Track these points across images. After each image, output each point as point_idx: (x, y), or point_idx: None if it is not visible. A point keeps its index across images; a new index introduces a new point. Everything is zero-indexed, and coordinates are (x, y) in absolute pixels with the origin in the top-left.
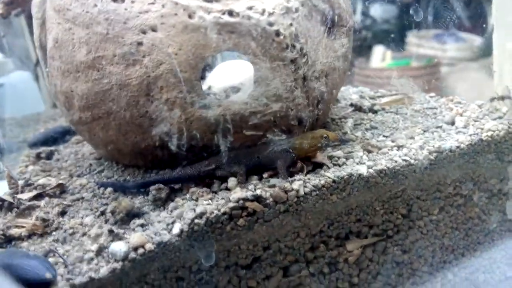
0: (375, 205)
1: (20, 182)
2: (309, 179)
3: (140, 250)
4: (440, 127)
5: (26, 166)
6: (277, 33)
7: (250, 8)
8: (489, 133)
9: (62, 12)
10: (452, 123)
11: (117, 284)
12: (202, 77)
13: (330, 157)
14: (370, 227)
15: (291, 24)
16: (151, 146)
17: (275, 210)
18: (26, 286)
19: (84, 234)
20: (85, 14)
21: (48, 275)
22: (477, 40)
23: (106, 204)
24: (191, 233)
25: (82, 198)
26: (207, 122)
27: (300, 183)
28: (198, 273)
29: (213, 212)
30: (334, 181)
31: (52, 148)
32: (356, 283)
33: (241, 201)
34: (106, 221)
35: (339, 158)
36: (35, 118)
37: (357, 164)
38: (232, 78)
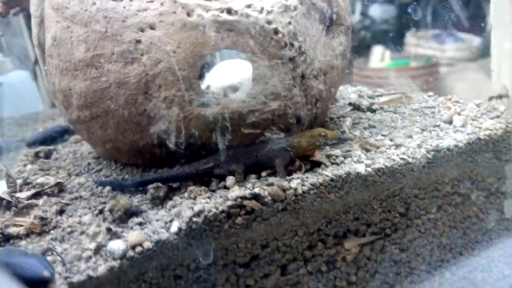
0: (373, 203)
1: (19, 181)
2: (307, 177)
3: (138, 249)
4: (438, 126)
5: (25, 165)
6: (276, 31)
7: (249, 6)
8: (487, 132)
9: (60, 10)
10: (450, 122)
11: (115, 283)
12: (201, 76)
13: (328, 156)
14: (368, 225)
15: (289, 22)
16: (149, 145)
17: (273, 209)
18: (24, 284)
19: (82, 233)
20: (84, 12)
21: (46, 273)
22: (476, 40)
23: (105, 202)
24: (189, 231)
25: (81, 196)
26: (205, 121)
27: (298, 182)
28: (196, 271)
29: (211, 211)
30: (332, 180)
31: (51, 147)
32: (354, 281)
33: (239, 200)
34: (104, 220)
35: (337, 156)
36: (34, 118)
37: (355, 162)
38: (231, 78)
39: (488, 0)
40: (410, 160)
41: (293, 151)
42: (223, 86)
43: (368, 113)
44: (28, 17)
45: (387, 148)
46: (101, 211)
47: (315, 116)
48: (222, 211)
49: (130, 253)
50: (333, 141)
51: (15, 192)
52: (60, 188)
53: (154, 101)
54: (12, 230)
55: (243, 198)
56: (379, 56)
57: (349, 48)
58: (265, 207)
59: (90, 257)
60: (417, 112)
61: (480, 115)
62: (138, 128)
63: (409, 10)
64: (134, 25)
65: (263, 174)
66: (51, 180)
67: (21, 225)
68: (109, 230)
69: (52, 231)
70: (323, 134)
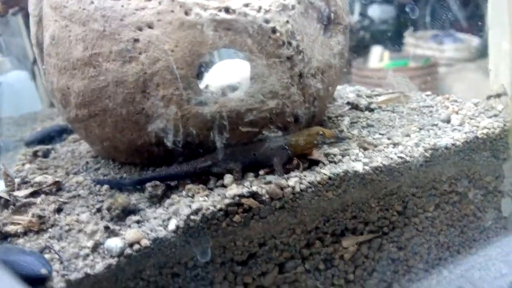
0: (371, 202)
1: (17, 180)
2: (305, 176)
3: (136, 246)
4: (436, 125)
5: (23, 165)
6: (274, 30)
7: (247, 5)
8: (485, 131)
9: (58, 9)
10: (448, 121)
11: (113, 280)
12: (200, 76)
13: (327, 155)
14: (365, 224)
15: (287, 21)
16: (147, 143)
17: (271, 207)
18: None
19: (80, 231)
20: (82, 11)
21: (43, 271)
22: (474, 41)
23: (102, 201)
24: (186, 229)
25: (79, 195)
26: (203, 119)
27: (296, 180)
28: (194, 269)
29: (209, 209)
30: (330, 178)
31: (49, 146)
32: (351, 279)
33: (237, 198)
34: (102, 218)
35: (335, 155)
36: (32, 117)
37: (353, 161)
38: (230, 77)
39: (487, 0)
40: (407, 158)
41: (291, 150)
42: (222, 86)
43: (366, 112)
44: (26, 17)
45: (385, 147)
46: (99, 210)
47: (313, 114)
48: (220, 209)
49: (128, 250)
50: (331, 139)
51: (13, 190)
52: (58, 186)
53: (152, 100)
54: (10, 228)
55: (241, 196)
56: (378, 57)
57: (347, 47)
58: (263, 205)
59: (87, 255)
60: (415, 111)
61: (478, 114)
62: (136, 126)
63: (408, 10)
64: (132, 24)
65: (261, 172)
66: (49, 179)
67: (19, 223)
68: (106, 228)
69: (50, 229)
70: (320, 132)
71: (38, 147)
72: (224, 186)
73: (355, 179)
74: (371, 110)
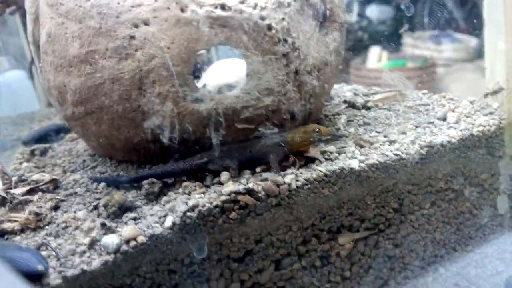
0: (367, 199)
1: (14, 178)
2: (301, 173)
3: (132, 243)
4: (432, 122)
5: (20, 163)
6: (269, 27)
7: (242, 2)
8: (480, 128)
9: (55, 6)
10: (444, 119)
11: (109, 277)
12: (198, 75)
13: (323, 152)
14: (361, 221)
15: (283, 19)
16: (143, 140)
17: (267, 204)
18: None
19: (76, 228)
20: (78, 9)
21: (40, 267)
22: (472, 41)
23: (99, 198)
24: (183, 226)
25: (75, 193)
26: (199, 116)
27: (292, 177)
28: (190, 266)
29: (205, 205)
30: (326, 175)
31: (46, 145)
32: (348, 276)
33: (233, 194)
34: (99, 215)
35: (331, 152)
36: (30, 117)
37: (349, 158)
38: (227, 76)
39: (483, 0)
40: (403, 156)
41: (287, 147)
42: (219, 84)
43: (363, 111)
44: (24, 16)
45: (381, 144)
46: (95, 207)
47: (309, 112)
48: (216, 206)
49: (124, 247)
50: (327, 137)
51: (10, 188)
52: (55, 184)
53: (148, 97)
54: (7, 225)
55: (237, 193)
56: (377, 57)
57: (343, 44)
58: (259, 202)
59: (84, 252)
60: (411, 109)
61: (474, 112)
62: (132, 124)
63: (405, 10)
64: (128, 21)
65: (257, 169)
66: (46, 177)
67: (16, 221)
68: (103, 225)
69: (46, 227)
70: (317, 130)
71: (35, 146)
72: (220, 183)
73: (351, 176)
74: (368, 108)
